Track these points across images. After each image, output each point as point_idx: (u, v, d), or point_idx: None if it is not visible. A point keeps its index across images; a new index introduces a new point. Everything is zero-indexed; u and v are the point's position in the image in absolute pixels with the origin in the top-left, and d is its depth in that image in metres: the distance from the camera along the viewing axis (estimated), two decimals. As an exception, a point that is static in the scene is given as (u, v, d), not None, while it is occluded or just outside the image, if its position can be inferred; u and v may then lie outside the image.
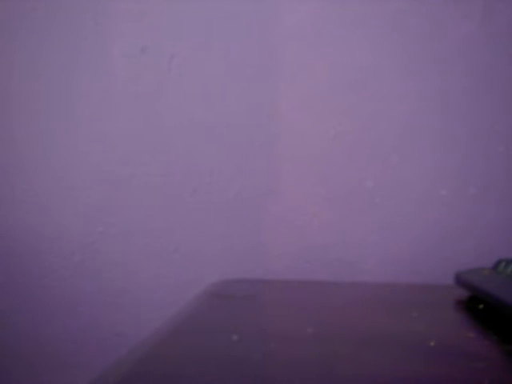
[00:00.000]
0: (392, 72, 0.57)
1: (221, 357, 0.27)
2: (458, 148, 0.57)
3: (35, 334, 0.61)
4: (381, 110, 0.57)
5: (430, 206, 0.57)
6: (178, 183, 0.59)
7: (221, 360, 0.26)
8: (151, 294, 0.60)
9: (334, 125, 0.58)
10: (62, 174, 0.60)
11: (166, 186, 0.59)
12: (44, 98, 0.60)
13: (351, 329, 0.33)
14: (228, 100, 0.59)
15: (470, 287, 0.42)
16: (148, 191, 0.59)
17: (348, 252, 0.58)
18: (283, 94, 0.58)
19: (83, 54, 0.59)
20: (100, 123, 0.60)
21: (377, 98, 0.57)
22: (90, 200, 0.60)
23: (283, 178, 0.58)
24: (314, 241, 0.58)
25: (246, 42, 0.58)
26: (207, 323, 0.35)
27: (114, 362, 0.27)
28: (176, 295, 0.59)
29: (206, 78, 0.59)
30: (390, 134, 0.57)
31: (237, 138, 0.59)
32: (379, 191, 0.58)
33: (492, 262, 0.51)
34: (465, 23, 0.56)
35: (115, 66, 0.59)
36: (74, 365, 0.60)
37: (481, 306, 0.40)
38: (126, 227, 0.60)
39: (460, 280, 0.44)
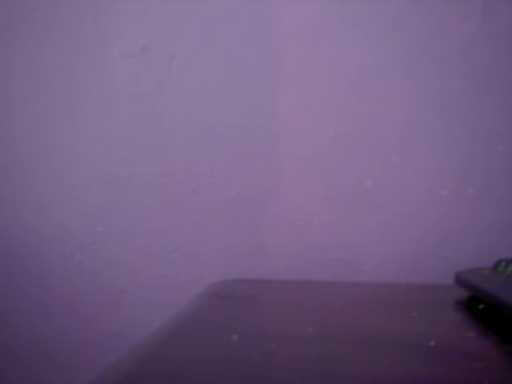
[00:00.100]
0: (392, 72, 0.57)
1: (221, 357, 0.27)
2: (458, 148, 0.57)
3: (35, 334, 0.61)
4: (381, 109, 0.57)
5: (430, 206, 0.57)
6: (178, 183, 0.59)
7: (221, 360, 0.26)
8: (151, 294, 0.60)
9: (334, 125, 0.58)
10: (61, 174, 0.60)
11: (166, 186, 0.59)
12: (44, 98, 0.60)
13: (351, 329, 0.33)
14: (228, 100, 0.59)
15: (469, 287, 0.42)
16: (148, 191, 0.59)
17: (348, 252, 0.58)
18: (283, 94, 0.58)
19: (83, 54, 0.59)
20: (100, 123, 0.60)
21: (377, 98, 0.57)
22: (90, 200, 0.60)
23: (283, 178, 0.58)
24: (314, 241, 0.58)
25: (246, 42, 0.58)
26: (207, 323, 0.35)
27: (114, 362, 0.27)
28: (176, 295, 0.59)
29: (206, 78, 0.59)
30: (389, 134, 0.57)
31: (237, 138, 0.59)
32: (379, 191, 0.58)
33: (492, 262, 0.51)
34: (465, 23, 0.56)
35: (115, 66, 0.59)
36: (73, 365, 0.60)
37: (481, 306, 0.40)
38: (126, 227, 0.60)
39: (460, 280, 0.44)
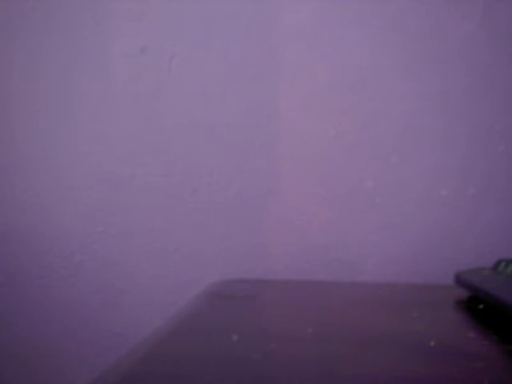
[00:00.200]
0: (392, 72, 0.57)
1: (221, 357, 0.27)
2: (458, 148, 0.57)
3: (35, 334, 0.61)
4: (381, 110, 0.57)
5: (430, 206, 0.57)
6: (178, 183, 0.59)
7: (221, 360, 0.26)
8: (151, 294, 0.60)
9: (334, 125, 0.58)
10: (61, 173, 0.60)
11: (166, 186, 0.59)
12: (44, 98, 0.60)
13: (351, 329, 0.33)
14: (228, 100, 0.59)
15: (470, 287, 0.42)
16: (148, 191, 0.59)
17: (348, 252, 0.58)
18: (283, 94, 0.58)
19: (83, 54, 0.59)
20: (100, 123, 0.60)
21: (377, 98, 0.57)
22: (90, 200, 0.60)
23: (283, 178, 0.58)
24: (314, 241, 0.58)
25: (246, 42, 0.58)
26: (207, 323, 0.35)
27: (114, 362, 0.27)
28: (176, 295, 0.59)
29: (206, 78, 0.59)
30: (389, 134, 0.57)
31: (237, 138, 0.59)
32: (379, 191, 0.58)
33: (492, 262, 0.51)
34: (465, 23, 0.56)
35: (115, 66, 0.59)
36: (73, 365, 0.60)
37: (481, 306, 0.40)
38: (126, 227, 0.60)
39: (460, 280, 0.44)
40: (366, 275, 0.58)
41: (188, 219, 0.59)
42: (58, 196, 0.60)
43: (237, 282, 0.52)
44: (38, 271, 0.61)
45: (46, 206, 0.60)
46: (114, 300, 0.60)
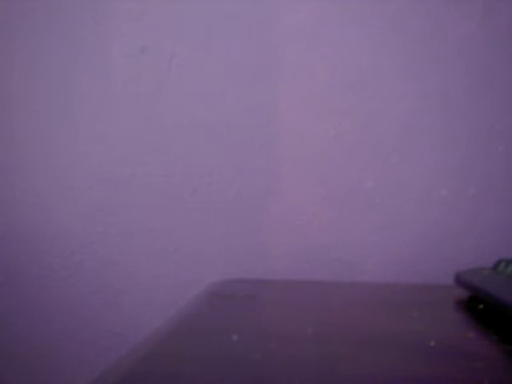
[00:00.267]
0: (392, 72, 0.57)
1: (221, 357, 0.27)
2: (458, 148, 0.57)
3: (35, 334, 0.61)
4: (381, 110, 0.57)
5: (430, 206, 0.57)
6: (178, 183, 0.59)
7: (221, 360, 0.26)
8: (151, 294, 0.60)
9: (333, 125, 0.58)
10: (61, 173, 0.60)
11: (166, 186, 0.59)
12: (44, 98, 0.60)
13: (351, 329, 0.33)
14: (228, 100, 0.59)
15: (470, 287, 0.42)
16: (148, 191, 0.59)
17: (348, 252, 0.58)
18: (283, 94, 0.58)
19: (83, 54, 0.59)
20: (100, 123, 0.60)
21: (377, 98, 0.57)
22: (90, 200, 0.60)
23: (283, 178, 0.58)
24: (314, 241, 0.58)
25: (246, 42, 0.58)
26: (207, 323, 0.35)
27: (114, 362, 0.27)
28: (176, 295, 0.59)
29: (206, 78, 0.59)
30: (389, 134, 0.57)
31: (237, 138, 0.59)
32: (379, 191, 0.58)
33: (492, 262, 0.51)
34: (465, 23, 0.56)
35: (115, 66, 0.59)
36: (73, 365, 0.60)
37: (481, 306, 0.40)
38: (126, 227, 0.60)
39: (460, 280, 0.44)
40: (366, 275, 0.58)
41: (188, 219, 0.59)
42: (58, 196, 0.60)
43: (237, 281, 0.52)
44: (38, 271, 0.61)
45: (46, 206, 0.60)
46: (113, 300, 0.60)
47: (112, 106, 0.59)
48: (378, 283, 0.52)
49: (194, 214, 0.59)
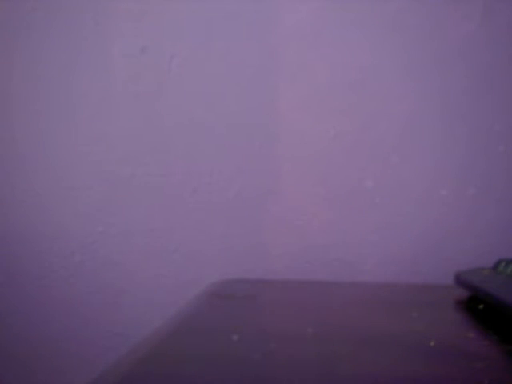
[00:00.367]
0: (392, 72, 0.57)
1: (221, 357, 0.27)
2: (458, 148, 0.57)
3: (35, 334, 0.61)
4: (381, 110, 0.57)
5: (430, 206, 0.57)
6: (178, 183, 0.59)
7: (221, 360, 0.26)
8: (151, 294, 0.60)
9: (333, 125, 0.58)
10: (61, 174, 0.60)
11: (166, 186, 0.59)
12: (44, 98, 0.60)
13: (351, 329, 0.33)
14: (228, 100, 0.59)
15: (470, 287, 0.42)
16: (148, 191, 0.59)
17: (348, 252, 0.58)
18: (283, 94, 0.58)
19: (83, 54, 0.59)
20: (100, 123, 0.60)
21: (377, 98, 0.57)
22: (90, 200, 0.60)
23: (283, 178, 0.58)
24: (314, 241, 0.58)
25: (246, 42, 0.58)
26: (207, 323, 0.35)
27: (114, 362, 0.27)
28: (176, 295, 0.59)
29: (206, 78, 0.59)
30: (389, 134, 0.57)
31: (237, 138, 0.59)
32: (379, 191, 0.58)
33: (492, 262, 0.51)
34: (465, 23, 0.56)
35: (115, 66, 0.59)
36: (73, 365, 0.60)
37: (481, 306, 0.40)
38: (126, 227, 0.60)
39: (460, 280, 0.44)
40: (366, 275, 0.58)
41: (188, 219, 0.59)
42: (58, 196, 0.60)
43: (237, 281, 0.52)
44: (38, 271, 0.61)
45: (46, 206, 0.60)
46: (113, 300, 0.60)
47: (112, 106, 0.59)
48: (378, 283, 0.52)
49: (194, 213, 0.59)
